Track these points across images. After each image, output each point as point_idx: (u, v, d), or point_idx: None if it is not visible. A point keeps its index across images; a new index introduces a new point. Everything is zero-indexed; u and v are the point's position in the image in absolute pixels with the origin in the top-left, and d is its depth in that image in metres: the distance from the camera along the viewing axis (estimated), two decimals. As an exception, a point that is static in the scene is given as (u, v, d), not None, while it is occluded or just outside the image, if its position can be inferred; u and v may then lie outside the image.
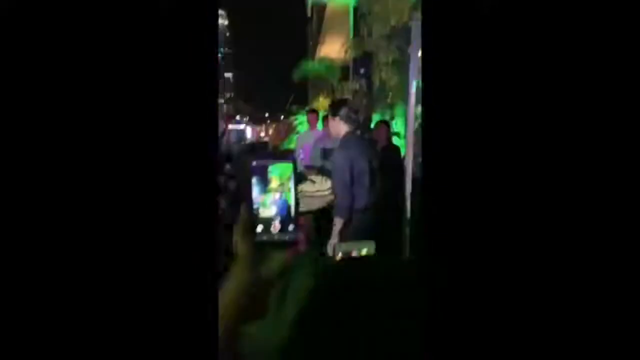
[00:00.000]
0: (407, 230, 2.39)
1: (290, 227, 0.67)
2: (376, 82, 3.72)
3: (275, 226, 0.66)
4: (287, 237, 0.67)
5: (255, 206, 0.66)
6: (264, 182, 0.67)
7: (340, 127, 1.91)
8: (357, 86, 3.90)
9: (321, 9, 9.44)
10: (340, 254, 0.88)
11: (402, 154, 3.05)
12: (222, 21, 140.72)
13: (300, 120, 6.70)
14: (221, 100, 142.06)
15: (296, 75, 9.48)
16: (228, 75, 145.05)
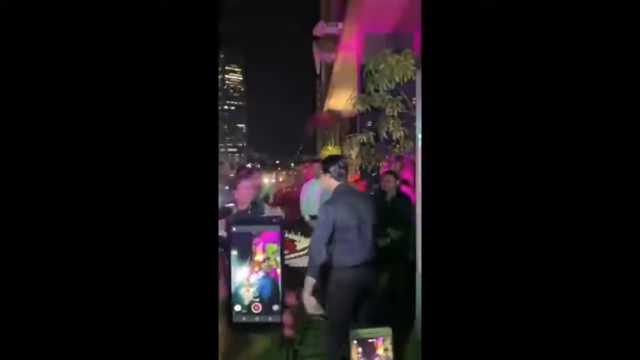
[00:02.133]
0: (419, 284, 2.25)
1: (275, 307, 0.57)
2: (383, 134, 3.80)
3: (257, 306, 0.56)
4: (270, 319, 0.56)
5: (234, 285, 0.55)
6: (246, 255, 0.56)
7: (331, 182, 1.96)
8: (365, 138, 3.98)
9: (329, 65, 10.06)
10: (355, 342, 0.77)
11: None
12: (237, 77, 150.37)
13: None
14: (234, 149, 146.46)
15: (309, 129, 9.82)
16: (241, 125, 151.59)
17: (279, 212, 2.45)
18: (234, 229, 0.58)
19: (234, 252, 0.58)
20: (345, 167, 1.97)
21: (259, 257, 0.57)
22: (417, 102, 2.04)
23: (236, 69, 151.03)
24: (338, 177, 1.93)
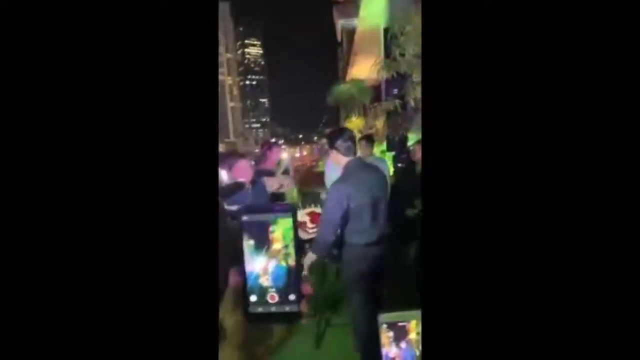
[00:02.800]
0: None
1: (292, 297, 0.55)
2: (410, 102, 3.62)
3: (273, 296, 0.54)
4: (287, 309, 0.54)
5: (249, 275, 0.54)
6: (262, 244, 0.54)
7: (339, 158, 1.79)
8: (391, 106, 3.81)
9: (351, 31, 9.63)
10: (385, 326, 0.76)
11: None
12: (257, 50, 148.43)
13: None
14: (258, 125, 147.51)
15: (329, 99, 9.61)
16: (263, 100, 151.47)
17: (283, 182, 2.35)
18: (245, 217, 0.57)
19: (249, 242, 0.58)
20: (353, 140, 1.82)
21: (277, 245, 0.56)
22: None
23: (255, 42, 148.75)
24: (346, 152, 1.78)
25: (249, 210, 0.56)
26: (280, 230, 0.54)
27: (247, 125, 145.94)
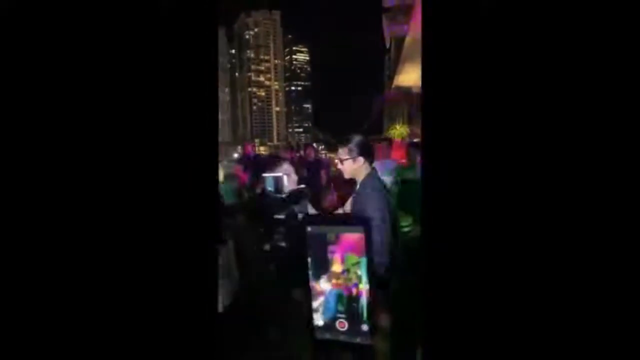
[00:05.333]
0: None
1: (364, 328, 0.48)
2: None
3: (342, 323, 0.48)
4: (358, 340, 0.48)
5: (314, 295, 0.45)
6: (322, 263, 0.47)
7: (364, 168, 1.60)
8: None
9: (400, 39, 9.50)
10: None
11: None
12: (304, 57, 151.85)
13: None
14: (300, 130, 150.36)
15: (374, 106, 9.53)
16: (307, 106, 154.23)
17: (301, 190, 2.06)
18: (309, 229, 0.47)
19: (309, 258, 0.48)
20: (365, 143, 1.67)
21: (337, 267, 0.46)
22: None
23: (302, 49, 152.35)
24: (370, 159, 1.65)
25: (312, 221, 0.48)
26: (342, 251, 0.45)
27: (290, 130, 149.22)
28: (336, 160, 1.70)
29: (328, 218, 0.52)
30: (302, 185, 1.81)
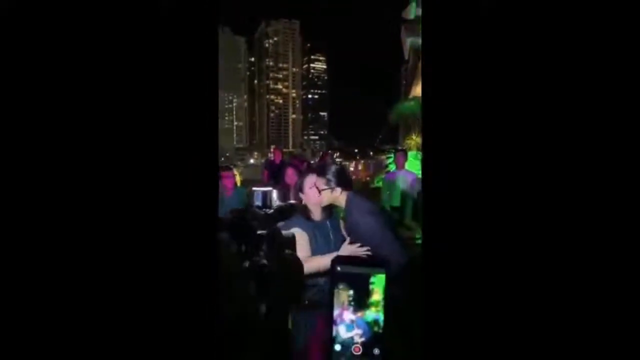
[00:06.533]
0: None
1: (376, 352, 0.54)
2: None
3: (357, 348, 0.54)
4: None
5: (339, 323, 0.50)
6: (363, 295, 0.54)
7: (336, 198, 1.60)
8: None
9: (418, 49, 9.50)
10: None
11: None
12: (322, 65, 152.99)
13: (391, 160, 6.63)
14: (316, 137, 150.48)
15: (392, 116, 9.52)
16: (323, 113, 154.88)
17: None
18: (338, 267, 0.55)
19: (350, 292, 0.56)
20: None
21: (377, 297, 0.55)
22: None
23: (320, 57, 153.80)
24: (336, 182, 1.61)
25: (344, 261, 0.55)
26: (380, 283, 0.54)
27: (305, 137, 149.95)
28: (312, 189, 1.65)
29: (354, 259, 0.62)
30: (292, 201, 1.77)
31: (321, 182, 1.63)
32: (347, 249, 1.61)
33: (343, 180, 1.64)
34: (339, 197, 1.64)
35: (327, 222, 1.72)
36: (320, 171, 1.65)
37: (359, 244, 1.64)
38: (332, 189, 1.63)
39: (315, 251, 1.57)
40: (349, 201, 1.63)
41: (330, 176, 1.62)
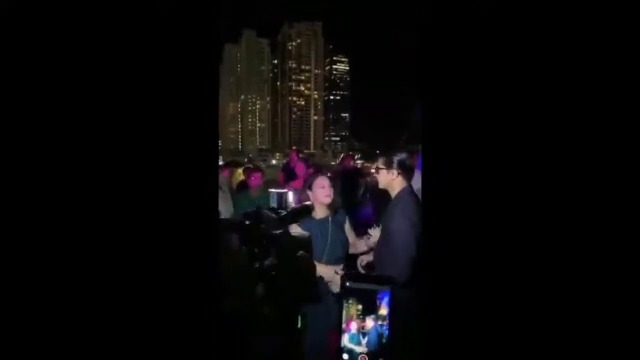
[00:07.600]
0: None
1: None
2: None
3: (364, 357, 0.59)
4: None
5: (348, 335, 0.58)
6: (370, 309, 0.58)
7: (398, 182, 1.59)
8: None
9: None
10: None
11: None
12: (344, 67, 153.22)
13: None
14: (337, 138, 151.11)
15: (413, 117, 9.39)
16: (345, 115, 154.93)
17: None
18: (347, 283, 0.61)
19: (359, 306, 0.60)
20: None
21: (383, 311, 0.60)
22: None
23: (342, 59, 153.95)
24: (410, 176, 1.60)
25: (352, 277, 0.60)
26: (388, 298, 0.59)
27: (327, 138, 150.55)
28: (323, 188, 1.71)
29: (363, 277, 0.69)
30: (308, 202, 1.80)
31: (382, 162, 1.66)
32: (360, 244, 1.64)
33: (402, 166, 1.63)
34: (394, 180, 1.63)
35: (329, 219, 1.71)
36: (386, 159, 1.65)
37: (370, 247, 1.62)
38: (389, 170, 1.62)
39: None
40: (400, 194, 1.61)
41: (391, 157, 1.64)
